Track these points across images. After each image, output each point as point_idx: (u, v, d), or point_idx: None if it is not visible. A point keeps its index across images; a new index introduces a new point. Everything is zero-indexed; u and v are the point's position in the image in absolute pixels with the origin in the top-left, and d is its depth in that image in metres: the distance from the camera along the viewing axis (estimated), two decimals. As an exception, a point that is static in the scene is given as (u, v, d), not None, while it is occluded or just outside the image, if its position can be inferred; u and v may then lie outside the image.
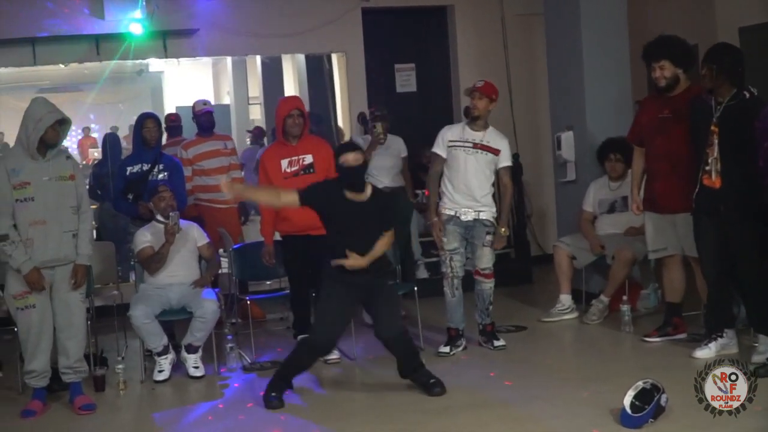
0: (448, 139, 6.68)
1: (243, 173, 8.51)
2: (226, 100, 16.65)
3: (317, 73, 11.70)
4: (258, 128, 13.07)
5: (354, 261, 5.58)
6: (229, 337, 6.81)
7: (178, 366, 6.63)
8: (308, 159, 6.65)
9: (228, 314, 7.76)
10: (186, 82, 17.82)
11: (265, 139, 12.35)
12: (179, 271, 6.67)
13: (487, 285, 6.77)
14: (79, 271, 5.84)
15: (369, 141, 8.20)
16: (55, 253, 5.72)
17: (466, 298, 6.81)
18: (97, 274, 7.16)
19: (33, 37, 9.34)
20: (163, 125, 9.62)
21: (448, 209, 6.65)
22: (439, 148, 6.72)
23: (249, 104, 15.66)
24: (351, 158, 5.65)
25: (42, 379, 5.83)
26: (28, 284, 5.68)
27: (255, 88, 15.24)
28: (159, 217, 6.75)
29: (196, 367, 6.52)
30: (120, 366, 6.34)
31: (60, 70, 12.95)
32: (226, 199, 8.05)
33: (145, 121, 7.45)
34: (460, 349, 6.70)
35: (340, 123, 11.21)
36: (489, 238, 6.68)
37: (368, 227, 5.68)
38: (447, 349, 6.67)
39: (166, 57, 9.91)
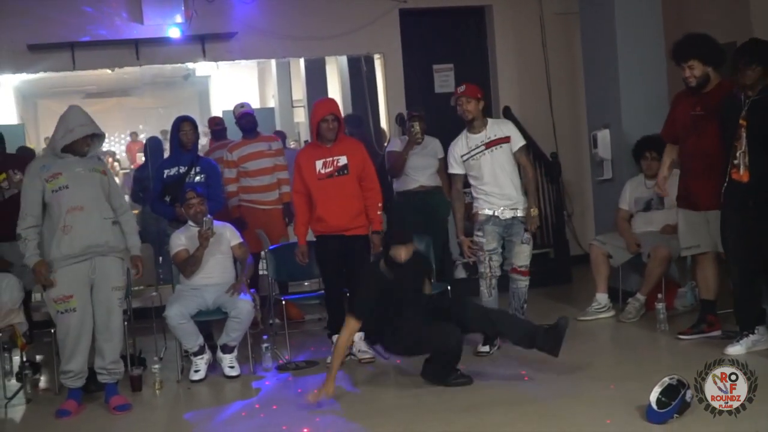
0: (459, 154, 6.79)
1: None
2: (271, 103, 16.82)
3: (359, 75, 11.79)
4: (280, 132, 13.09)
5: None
6: (265, 336, 6.93)
7: (215, 366, 6.77)
8: (342, 160, 6.75)
9: (266, 315, 7.91)
10: (232, 86, 18.02)
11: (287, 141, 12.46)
12: (214, 273, 6.80)
13: (523, 283, 6.83)
14: (138, 260, 6.06)
15: (406, 141, 8.27)
16: (97, 238, 5.80)
17: (500, 300, 6.83)
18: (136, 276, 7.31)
19: (72, 42, 9.57)
20: (206, 129, 9.82)
21: (486, 210, 6.71)
22: (454, 168, 6.85)
23: (293, 107, 15.80)
24: (403, 255, 5.89)
25: (78, 380, 5.96)
26: (36, 277, 5.81)
27: (299, 90, 15.37)
28: (191, 222, 6.90)
29: (232, 367, 6.65)
30: (156, 366, 6.49)
31: (106, 74, 13.17)
32: (270, 200, 8.23)
33: (182, 124, 7.59)
34: (496, 348, 6.73)
35: (383, 124, 11.30)
36: (527, 235, 6.74)
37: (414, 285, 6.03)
38: (486, 348, 6.67)
39: (205, 60, 10.08)
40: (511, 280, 6.85)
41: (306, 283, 8.50)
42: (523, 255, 6.77)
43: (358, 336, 6.77)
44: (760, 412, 4.48)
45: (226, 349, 6.67)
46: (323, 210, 6.74)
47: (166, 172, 7.56)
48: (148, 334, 7.63)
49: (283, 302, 7.29)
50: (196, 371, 6.62)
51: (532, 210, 6.70)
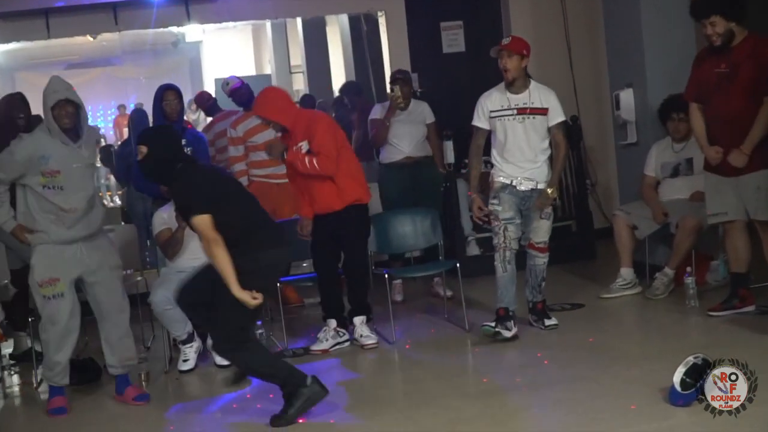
0: (489, 109, 6.63)
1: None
2: (268, 69, 16.82)
3: (362, 38, 11.76)
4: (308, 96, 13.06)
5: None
6: (259, 322, 6.95)
7: (205, 355, 6.82)
8: (304, 146, 6.65)
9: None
10: (225, 52, 18.04)
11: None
12: (202, 254, 6.78)
13: (541, 260, 6.79)
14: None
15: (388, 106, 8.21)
16: (88, 228, 5.89)
17: (518, 278, 6.72)
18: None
19: (46, 8, 9.56)
20: (194, 107, 9.80)
21: (503, 177, 6.62)
22: (480, 121, 6.70)
23: (291, 73, 15.79)
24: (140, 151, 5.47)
25: (65, 377, 5.99)
26: (16, 238, 5.90)
27: (297, 55, 15.36)
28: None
29: (223, 356, 6.69)
30: (142, 356, 6.54)
31: (87, 43, 13.20)
32: (284, 173, 8.19)
33: (165, 93, 7.57)
34: (509, 332, 6.52)
35: (388, 89, 11.24)
36: (548, 210, 6.68)
37: None
38: (492, 324, 6.52)
39: (190, 23, 10.06)
40: (528, 256, 6.82)
41: (305, 264, 8.48)
42: (541, 230, 6.72)
43: (360, 320, 6.81)
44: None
45: (217, 337, 6.70)
46: (308, 196, 6.82)
47: (149, 145, 7.55)
48: (134, 322, 7.59)
49: (278, 285, 7.29)
50: (185, 361, 6.67)
51: (550, 190, 6.56)
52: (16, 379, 6.98)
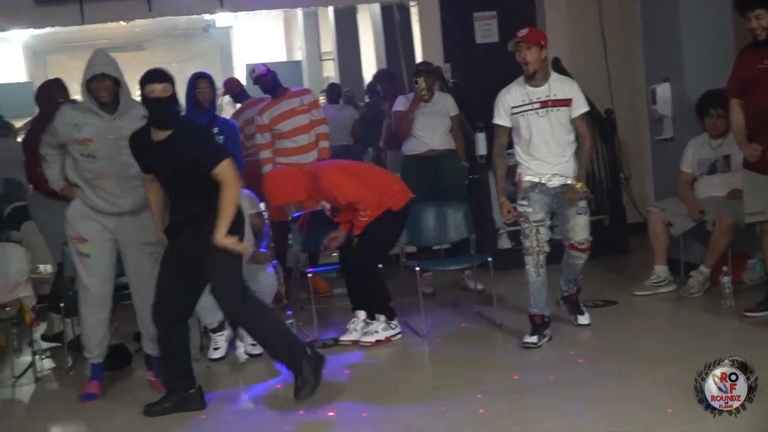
0: (510, 105, 6.40)
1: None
2: (298, 56, 16.84)
3: (394, 26, 11.75)
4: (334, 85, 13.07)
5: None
6: (289, 312, 6.98)
7: (235, 343, 6.86)
8: (326, 205, 6.95)
9: (291, 289, 7.96)
10: (255, 37, 18.04)
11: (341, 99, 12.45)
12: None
13: (581, 259, 6.57)
14: None
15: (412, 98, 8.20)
16: (122, 203, 5.89)
17: (553, 270, 6.58)
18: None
19: (80, -6, 9.63)
20: (222, 91, 9.83)
21: (530, 176, 6.40)
22: (501, 118, 6.45)
23: (322, 60, 15.82)
24: (159, 89, 5.43)
25: (96, 350, 6.03)
26: (64, 197, 5.97)
27: (328, 42, 15.39)
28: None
29: (254, 344, 6.69)
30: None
31: (118, 27, 13.23)
32: (308, 162, 8.20)
33: (198, 81, 7.61)
34: (546, 339, 6.42)
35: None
36: (582, 204, 6.47)
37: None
38: (534, 338, 6.34)
39: (222, 11, 10.08)
40: (568, 255, 6.60)
41: (335, 254, 8.47)
42: (580, 228, 6.45)
43: (363, 314, 6.85)
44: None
45: (248, 326, 6.73)
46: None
47: (181, 132, 7.57)
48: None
49: (309, 275, 7.31)
50: (216, 349, 6.69)
51: (577, 183, 6.35)
52: (48, 363, 7.00)
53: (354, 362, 6.41)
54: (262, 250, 6.81)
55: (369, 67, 14.13)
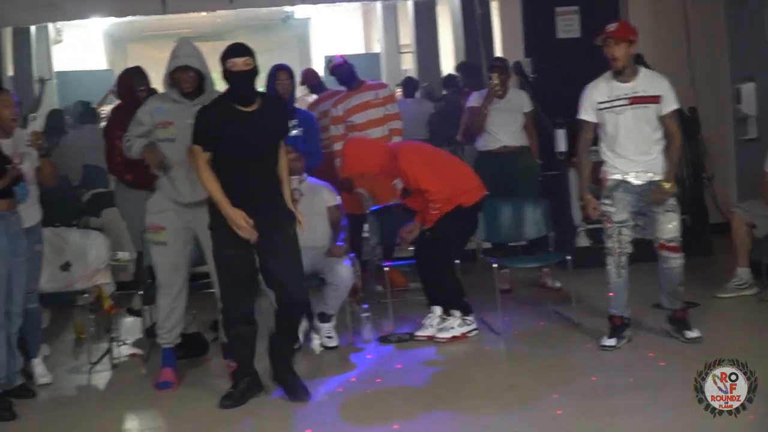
0: (597, 100, 6.28)
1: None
2: (377, 48, 16.84)
3: (473, 19, 11.67)
4: (410, 79, 13.04)
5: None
6: (365, 305, 6.97)
7: (311, 335, 6.85)
8: (399, 184, 6.94)
9: (367, 282, 7.96)
10: (334, 29, 18.10)
11: (418, 93, 12.41)
12: (311, 235, 6.79)
13: (676, 261, 6.26)
14: None
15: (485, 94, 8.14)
16: (198, 194, 5.86)
17: (636, 271, 6.47)
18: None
19: (163, -16, 9.71)
20: (300, 82, 9.86)
21: (615, 174, 6.26)
22: (587, 114, 6.31)
23: (400, 53, 15.80)
24: (241, 62, 5.48)
25: (170, 334, 6.10)
26: (148, 162, 5.95)
27: (407, 35, 15.36)
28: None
29: (330, 337, 6.73)
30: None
31: (199, 17, 13.37)
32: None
33: (278, 73, 7.62)
34: (625, 341, 6.32)
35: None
36: (672, 201, 6.27)
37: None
38: (613, 341, 6.24)
39: (303, 3, 10.08)
40: (660, 258, 6.30)
41: (411, 248, 8.45)
42: (669, 226, 6.22)
43: (439, 310, 6.82)
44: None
45: (324, 318, 6.75)
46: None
47: (260, 124, 7.60)
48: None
49: (386, 269, 7.29)
50: (292, 340, 6.70)
51: (665, 183, 6.19)
52: (124, 350, 7.08)
53: (429, 358, 6.40)
54: (339, 243, 6.80)
55: (447, 61, 14.08)
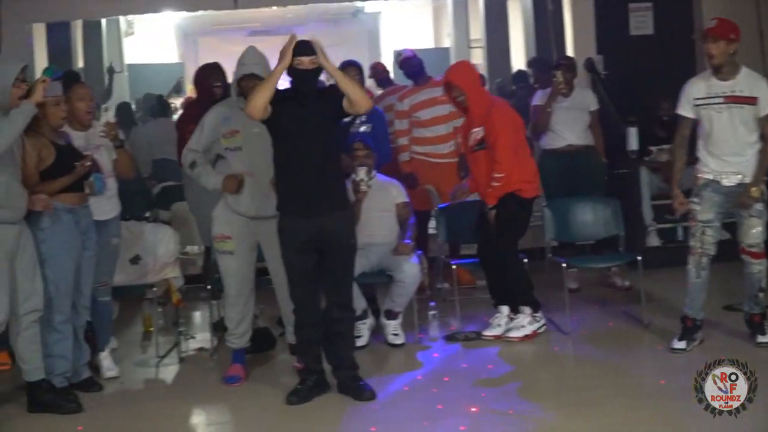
0: (694, 96, 6.20)
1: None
2: (446, 43, 16.78)
3: (545, 15, 11.58)
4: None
5: None
6: (432, 303, 6.95)
7: (378, 333, 6.85)
8: (480, 133, 6.72)
9: (434, 279, 7.93)
10: (404, 24, 18.07)
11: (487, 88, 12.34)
12: (379, 231, 6.82)
13: (756, 266, 6.16)
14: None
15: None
16: (264, 208, 5.87)
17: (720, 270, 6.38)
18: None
19: (234, -22, 9.75)
20: (368, 76, 9.85)
21: (706, 173, 6.18)
22: (684, 109, 6.26)
23: (470, 48, 15.71)
24: (307, 61, 5.46)
25: (241, 339, 6.13)
26: (227, 190, 5.93)
27: (477, 30, 15.27)
28: (353, 175, 6.86)
29: (396, 335, 6.71)
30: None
31: (270, 11, 13.42)
32: (444, 152, 8.18)
33: (347, 69, 7.56)
34: (696, 343, 6.24)
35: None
36: (759, 206, 6.14)
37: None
38: (683, 344, 6.18)
39: (374, -2, 10.08)
40: (743, 263, 6.22)
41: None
42: (751, 231, 6.12)
43: (506, 309, 6.78)
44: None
45: (390, 315, 6.73)
46: (473, 181, 6.90)
47: (329, 121, 7.60)
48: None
49: (454, 267, 7.26)
50: (358, 337, 6.68)
51: (753, 189, 6.07)
52: (192, 344, 7.13)
53: (496, 358, 6.36)
54: (406, 241, 6.78)
55: (518, 56, 13.97)
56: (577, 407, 5.24)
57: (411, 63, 8.32)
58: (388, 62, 13.10)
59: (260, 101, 5.34)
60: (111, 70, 12.12)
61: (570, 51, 10.49)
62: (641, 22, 10.43)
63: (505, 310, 6.77)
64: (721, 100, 6.08)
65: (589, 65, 9.68)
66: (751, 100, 6.06)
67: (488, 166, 6.66)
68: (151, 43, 17.34)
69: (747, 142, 6.10)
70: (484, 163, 6.70)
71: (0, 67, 5.42)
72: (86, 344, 6.05)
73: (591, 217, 7.44)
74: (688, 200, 6.22)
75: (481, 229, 6.85)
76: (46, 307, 5.62)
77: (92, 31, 13.68)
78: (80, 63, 13.07)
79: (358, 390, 5.62)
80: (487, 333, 6.75)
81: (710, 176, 6.14)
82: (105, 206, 6.09)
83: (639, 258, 6.95)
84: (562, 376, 6.01)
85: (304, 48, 5.46)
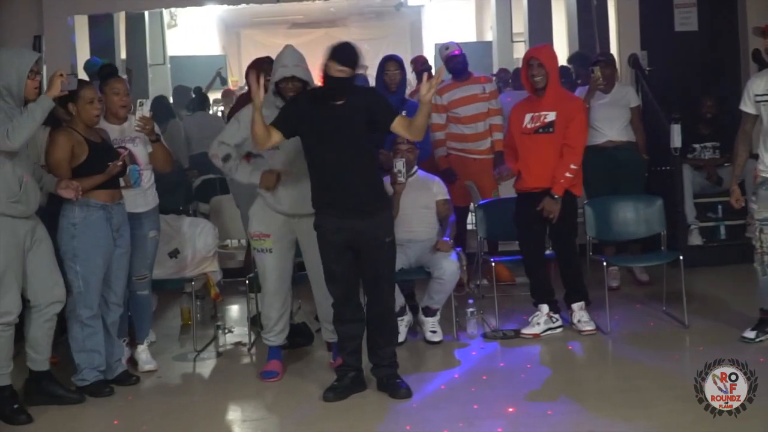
0: (755, 93, 6.19)
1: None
2: (489, 36, 16.69)
3: (589, 10, 11.48)
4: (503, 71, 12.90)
5: None
6: (471, 301, 6.90)
7: (416, 330, 6.82)
8: (550, 116, 6.61)
9: (472, 276, 7.87)
10: (446, 17, 18.01)
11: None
12: (418, 228, 6.78)
13: None
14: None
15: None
16: (300, 205, 5.83)
17: None
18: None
19: (277, -29, 9.73)
20: (411, 71, 9.81)
21: (763, 171, 6.13)
22: (746, 105, 6.25)
23: (513, 42, 15.61)
24: (337, 69, 5.42)
25: (277, 336, 6.10)
26: (264, 185, 5.92)
27: (520, 23, 15.17)
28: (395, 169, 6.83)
29: (434, 332, 6.67)
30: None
31: (313, 4, 13.40)
32: (482, 149, 8.12)
33: (387, 64, 7.60)
34: (766, 337, 6.19)
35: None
36: None
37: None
38: (752, 334, 6.19)
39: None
40: None
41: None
42: None
43: (579, 305, 6.68)
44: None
45: (429, 312, 6.69)
46: (522, 166, 6.73)
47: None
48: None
49: (493, 263, 7.20)
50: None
51: None
52: (230, 338, 7.13)
53: (535, 357, 6.32)
54: (445, 238, 6.73)
55: (561, 51, 13.82)
56: (619, 409, 5.17)
57: (457, 60, 8.27)
58: (430, 55, 13.05)
59: (257, 134, 5.48)
60: (130, 72, 12.10)
61: (614, 46, 10.43)
62: (686, 19, 10.33)
63: (544, 308, 6.72)
64: None
65: (634, 61, 9.58)
66: None
67: (549, 152, 6.62)
68: (193, 35, 17.39)
69: None
70: (545, 147, 6.63)
71: (15, 58, 5.38)
72: (120, 340, 6.06)
73: (633, 216, 7.34)
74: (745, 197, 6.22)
75: (523, 225, 6.79)
76: (75, 302, 5.64)
77: (135, 24, 13.73)
78: (122, 55, 13.11)
79: (394, 388, 5.58)
80: (526, 331, 6.69)
81: (766, 175, 6.09)
82: (141, 199, 6.09)
83: (681, 257, 6.87)
84: (603, 377, 5.96)
85: (339, 54, 5.42)
